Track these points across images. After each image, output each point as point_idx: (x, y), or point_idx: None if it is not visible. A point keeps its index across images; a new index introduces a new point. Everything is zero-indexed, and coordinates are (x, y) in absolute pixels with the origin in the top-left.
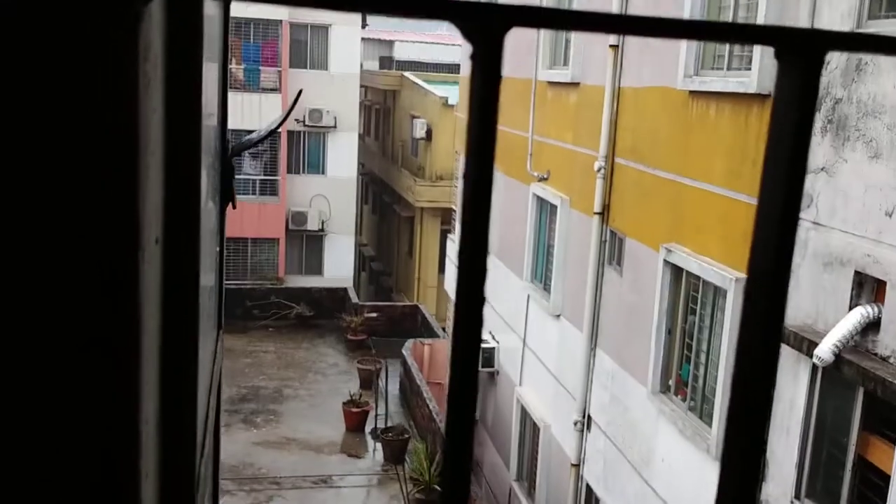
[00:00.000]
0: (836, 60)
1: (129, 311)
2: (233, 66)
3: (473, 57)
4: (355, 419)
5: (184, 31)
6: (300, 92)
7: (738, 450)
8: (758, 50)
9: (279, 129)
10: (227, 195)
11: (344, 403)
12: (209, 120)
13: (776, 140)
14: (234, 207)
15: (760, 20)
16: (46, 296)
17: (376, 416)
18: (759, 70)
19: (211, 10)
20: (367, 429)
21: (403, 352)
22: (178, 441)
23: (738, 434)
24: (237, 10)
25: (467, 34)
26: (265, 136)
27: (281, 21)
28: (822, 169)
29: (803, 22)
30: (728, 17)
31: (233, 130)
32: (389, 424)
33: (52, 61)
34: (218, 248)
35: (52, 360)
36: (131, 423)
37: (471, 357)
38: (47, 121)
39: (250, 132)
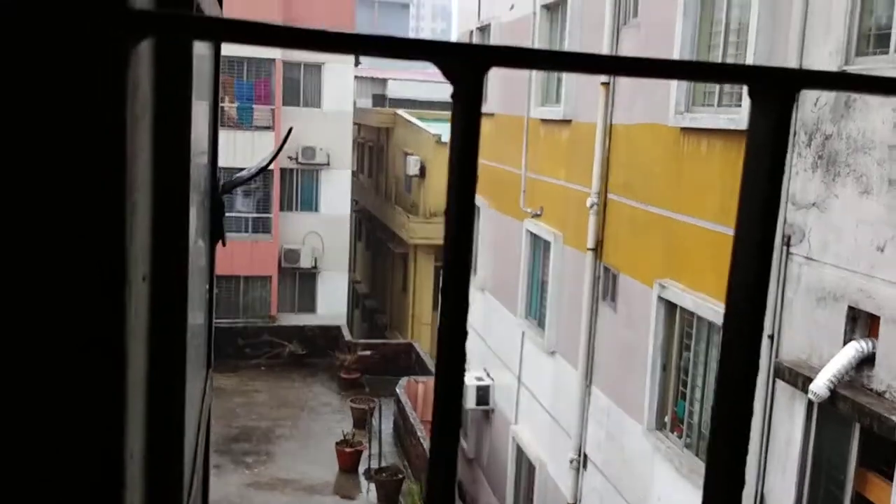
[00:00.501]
0: (825, 97)
1: (114, 348)
2: (226, 104)
3: (454, 96)
4: (349, 459)
5: (173, 71)
6: (290, 130)
7: (719, 481)
8: (747, 87)
9: (271, 167)
10: (217, 233)
11: (337, 443)
12: (199, 158)
13: (751, 177)
14: (224, 245)
15: (749, 58)
16: (30, 329)
17: (370, 456)
18: (749, 107)
19: (202, 48)
20: (361, 469)
21: (397, 390)
22: (165, 479)
23: (719, 465)
24: (230, 49)
25: (448, 74)
26: (255, 174)
27: (274, 59)
28: (813, 204)
29: (792, 60)
30: (718, 55)
31: (225, 168)
32: (383, 465)
33: (40, 100)
34: (207, 286)
35: (34, 394)
36: (116, 460)
37: (455, 391)
38: (35, 158)
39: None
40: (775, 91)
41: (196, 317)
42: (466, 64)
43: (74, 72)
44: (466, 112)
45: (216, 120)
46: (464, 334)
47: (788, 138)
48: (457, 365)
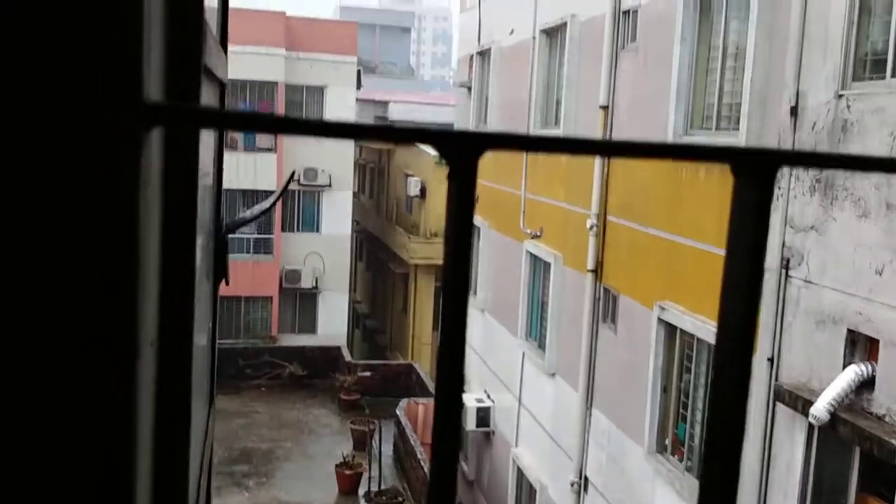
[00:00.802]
0: (821, 121)
1: (123, 419)
2: None
3: (450, 176)
4: (348, 482)
5: (180, 155)
6: (293, 173)
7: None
8: (745, 109)
9: (268, 212)
10: (220, 272)
11: (337, 465)
12: (205, 204)
13: (734, 250)
14: (228, 284)
15: (747, 83)
16: (45, 402)
17: (370, 478)
18: (747, 130)
19: (207, 93)
20: (361, 491)
21: (397, 412)
22: None
23: (712, 488)
24: (233, 73)
25: (445, 157)
26: (258, 216)
27: (277, 83)
28: (811, 227)
29: (789, 85)
30: (715, 79)
31: (228, 189)
32: (383, 487)
33: (57, 186)
34: (210, 324)
35: (46, 466)
36: None
37: (453, 414)
38: (51, 245)
39: (245, 192)
40: (757, 169)
41: (199, 357)
42: (463, 149)
43: (90, 160)
44: (462, 191)
45: (221, 161)
46: (462, 365)
47: (769, 213)
48: (455, 390)
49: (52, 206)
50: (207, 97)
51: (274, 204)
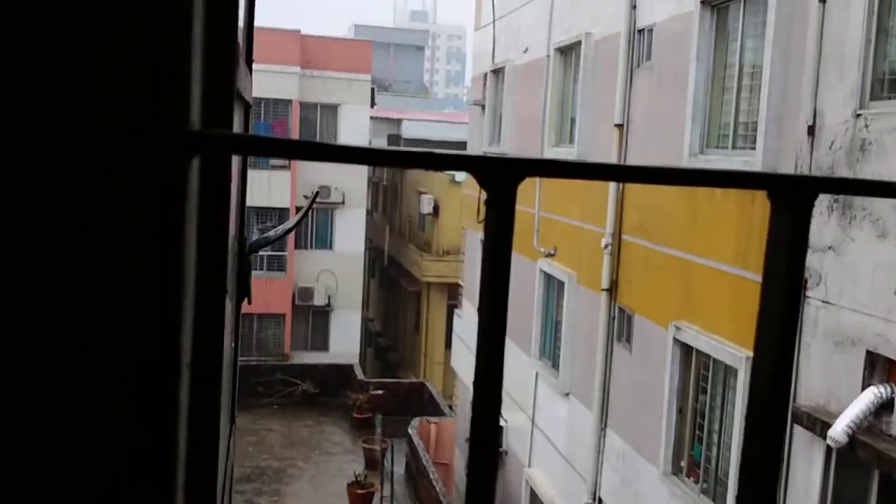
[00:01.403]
0: (839, 140)
1: (167, 437)
2: None
3: (488, 202)
4: (360, 501)
5: (215, 179)
6: (317, 192)
7: None
8: (762, 128)
9: (291, 231)
10: (243, 292)
11: (349, 485)
12: (231, 226)
13: (771, 276)
14: (250, 303)
15: (763, 102)
16: (96, 416)
17: (381, 497)
18: (763, 149)
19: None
20: None
21: (410, 431)
22: None
23: None
24: None
25: (484, 183)
26: (282, 235)
27: (291, 101)
28: (829, 247)
29: (805, 104)
30: (731, 97)
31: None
32: None
33: (109, 217)
34: (233, 345)
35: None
36: None
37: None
38: (103, 269)
39: (259, 209)
40: (794, 195)
41: (224, 377)
42: (502, 176)
43: (141, 187)
44: (500, 218)
45: (245, 182)
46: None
47: (807, 239)
48: (492, 419)
49: (104, 234)
50: (236, 119)
51: (298, 223)
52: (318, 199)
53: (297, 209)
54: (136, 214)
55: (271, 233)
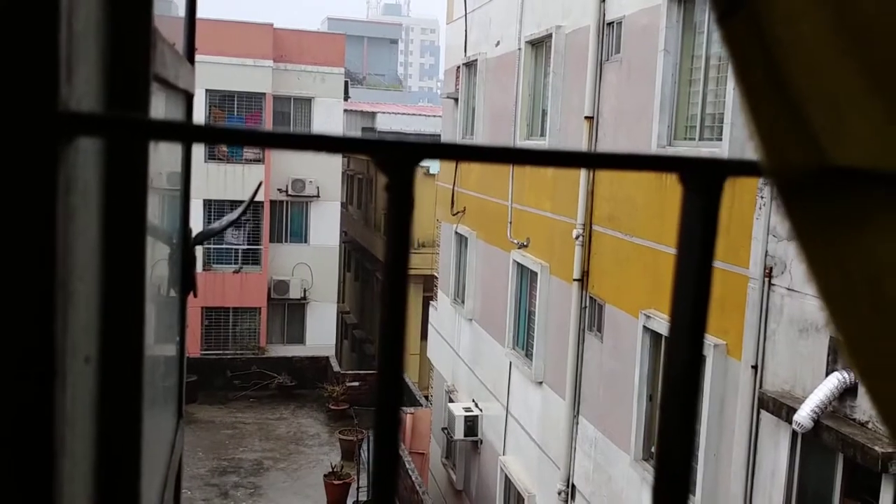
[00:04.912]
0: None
1: (42, 444)
2: None
3: (387, 187)
4: (337, 492)
5: (124, 165)
6: (260, 184)
7: (667, 485)
8: (728, 119)
9: (260, 198)
10: (188, 285)
11: (325, 475)
12: (170, 214)
13: (684, 257)
14: (195, 296)
15: (729, 93)
16: None
17: (358, 488)
18: (729, 140)
19: (171, 105)
20: (350, 501)
21: None
22: None
23: (665, 472)
24: (221, 84)
25: (381, 167)
26: (226, 227)
27: (264, 94)
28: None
29: None
30: (698, 89)
31: (216, 200)
32: (371, 497)
33: None
34: (178, 337)
35: None
36: None
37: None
38: None
39: (234, 202)
40: (705, 179)
41: (163, 368)
42: (398, 159)
43: (2, 172)
44: (400, 201)
45: (188, 172)
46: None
47: (717, 221)
48: (394, 405)
49: None
50: (167, 108)
51: (242, 215)
52: (292, 193)
53: (271, 202)
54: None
55: (215, 225)
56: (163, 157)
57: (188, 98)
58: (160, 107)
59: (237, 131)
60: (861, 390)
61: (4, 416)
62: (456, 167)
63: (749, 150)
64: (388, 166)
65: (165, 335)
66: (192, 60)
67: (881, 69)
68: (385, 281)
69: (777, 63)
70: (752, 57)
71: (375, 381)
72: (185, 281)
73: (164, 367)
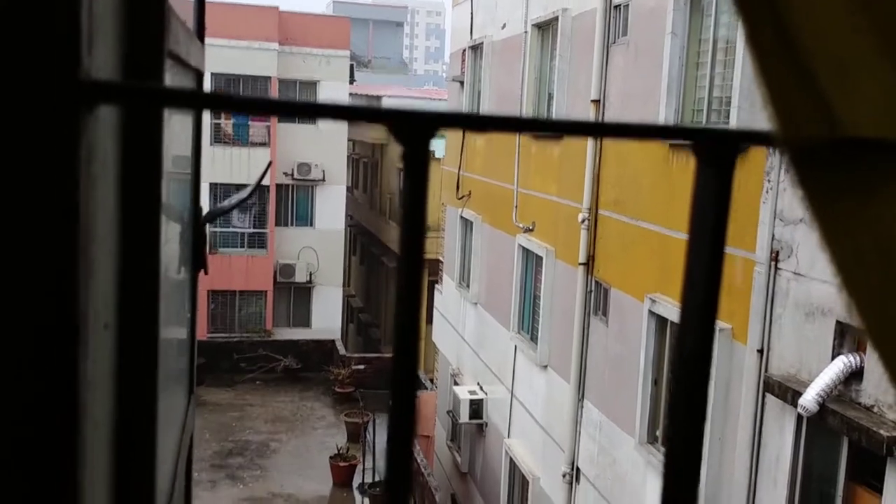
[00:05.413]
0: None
1: (66, 406)
2: (222, 120)
3: (404, 157)
4: (343, 473)
5: (140, 135)
6: (269, 163)
7: (677, 468)
8: (735, 103)
9: (267, 182)
10: (198, 262)
11: (331, 457)
12: (180, 192)
13: (697, 228)
14: (206, 273)
15: (737, 76)
16: None
17: (363, 470)
18: (737, 124)
19: (182, 81)
20: (355, 483)
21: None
22: None
23: (676, 453)
24: (226, 67)
25: (398, 136)
26: (236, 205)
27: (270, 77)
28: (801, 220)
29: None
30: (706, 72)
31: (222, 184)
32: (377, 479)
33: None
34: (189, 315)
35: None
36: None
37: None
38: None
39: (239, 186)
40: (718, 148)
41: (175, 348)
42: (415, 127)
43: (28, 138)
44: (415, 171)
45: (199, 151)
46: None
47: (731, 192)
48: (410, 389)
49: None
50: (178, 83)
51: (251, 194)
52: (298, 177)
53: (277, 186)
54: (18, 163)
55: (225, 203)
56: (174, 137)
57: (199, 76)
58: (173, 84)
59: (250, 100)
60: (866, 374)
61: (32, 381)
62: (461, 151)
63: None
64: (404, 135)
65: (177, 313)
66: (202, 39)
67: (891, 27)
68: (401, 251)
69: (786, 22)
70: (761, 16)
71: (393, 338)
72: (196, 259)
73: (177, 346)
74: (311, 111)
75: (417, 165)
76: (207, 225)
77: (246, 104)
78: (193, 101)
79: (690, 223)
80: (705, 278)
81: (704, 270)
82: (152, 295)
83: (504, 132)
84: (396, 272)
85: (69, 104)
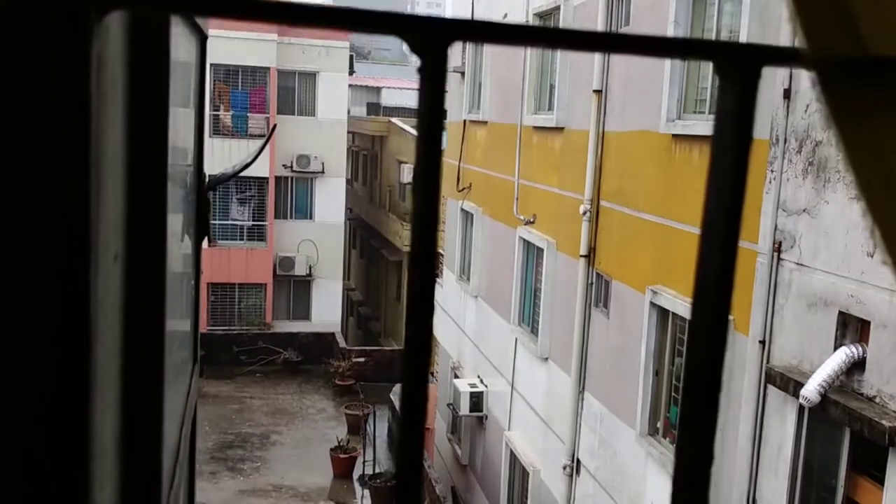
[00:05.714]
0: (815, 103)
1: (78, 330)
2: (221, 112)
3: (420, 69)
4: (343, 466)
5: (148, 48)
6: (274, 126)
7: (688, 466)
8: None
9: (266, 175)
10: (202, 229)
11: (331, 450)
12: (183, 155)
13: (718, 154)
14: (210, 243)
15: (744, 32)
16: None
17: (364, 462)
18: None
19: (187, 47)
20: (356, 475)
21: (391, 396)
22: (142, 472)
23: (687, 453)
24: (225, 58)
25: (413, 47)
26: (239, 171)
27: (269, 68)
28: (804, 210)
29: (780, 68)
30: (708, 73)
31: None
32: (378, 471)
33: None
34: (193, 282)
35: None
36: (82, 451)
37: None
38: None
39: (238, 178)
40: (741, 66)
41: (179, 310)
42: (432, 37)
43: (37, 45)
44: (432, 85)
45: (202, 119)
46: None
47: (754, 114)
48: (423, 348)
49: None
50: (189, 47)
51: (255, 159)
52: (297, 169)
53: (276, 178)
54: (30, 76)
55: (228, 169)
56: (177, 119)
57: (202, 41)
58: (180, 44)
59: (260, 3)
60: (869, 365)
61: (45, 304)
62: (462, 143)
63: (759, 122)
64: (420, 45)
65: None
66: None
67: None
68: (416, 178)
69: None
70: None
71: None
72: (200, 225)
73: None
74: (324, 19)
75: (435, 75)
76: (210, 193)
77: (253, 7)
78: (199, 5)
79: (713, 143)
80: (728, 195)
81: (727, 186)
82: (160, 222)
83: (519, 45)
84: (412, 190)
85: (79, 10)
